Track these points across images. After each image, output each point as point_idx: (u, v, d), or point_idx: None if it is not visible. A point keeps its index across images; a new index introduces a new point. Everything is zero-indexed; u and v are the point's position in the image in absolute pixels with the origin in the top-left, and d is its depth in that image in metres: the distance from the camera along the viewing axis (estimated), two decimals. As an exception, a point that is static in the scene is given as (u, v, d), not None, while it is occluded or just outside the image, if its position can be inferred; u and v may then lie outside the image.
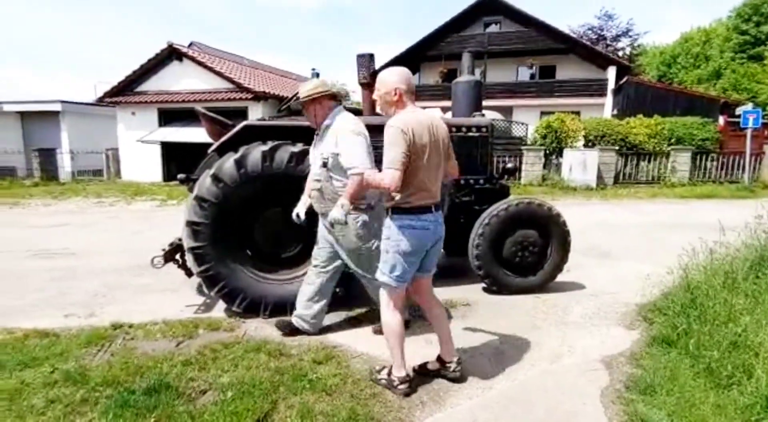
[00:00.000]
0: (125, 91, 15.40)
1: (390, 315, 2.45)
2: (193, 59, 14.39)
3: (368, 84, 4.64)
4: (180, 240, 3.95)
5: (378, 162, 4.24)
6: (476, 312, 3.74)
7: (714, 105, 18.25)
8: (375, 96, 2.43)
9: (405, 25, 70.93)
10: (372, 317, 3.57)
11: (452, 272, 4.97)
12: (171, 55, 14.65)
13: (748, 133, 12.16)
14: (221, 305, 3.75)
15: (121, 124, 15.82)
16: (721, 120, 16.73)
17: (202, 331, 3.28)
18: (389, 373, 2.51)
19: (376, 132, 4.28)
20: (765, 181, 12.59)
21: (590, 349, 3.05)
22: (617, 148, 12.77)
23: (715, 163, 12.90)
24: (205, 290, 3.70)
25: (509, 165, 4.54)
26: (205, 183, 3.37)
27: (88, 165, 17.09)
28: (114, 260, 5.34)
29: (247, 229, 3.60)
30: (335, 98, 2.99)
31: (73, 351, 2.89)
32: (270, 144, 3.43)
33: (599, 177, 12.66)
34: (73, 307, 3.80)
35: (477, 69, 26.83)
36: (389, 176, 2.21)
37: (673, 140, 12.99)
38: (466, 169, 4.41)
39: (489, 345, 3.11)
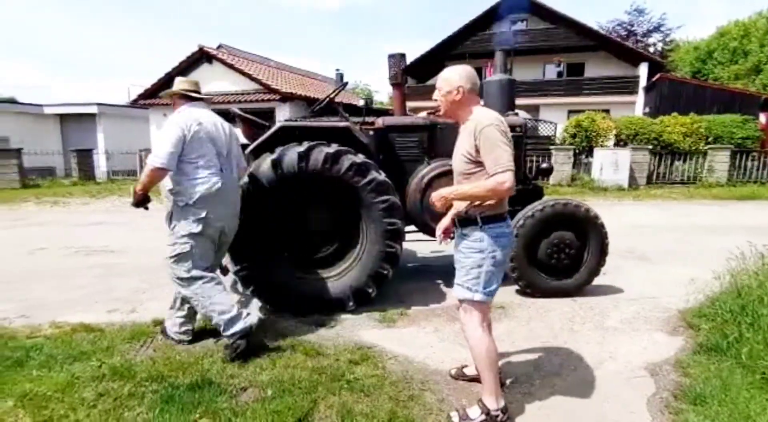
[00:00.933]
0: (158, 93, 15.84)
1: (484, 337, 2.18)
2: (222, 61, 14.70)
3: (399, 84, 4.64)
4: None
5: (402, 161, 4.25)
6: (511, 314, 3.68)
7: (754, 102, 17.48)
8: (438, 96, 2.20)
9: (428, 24, 70.63)
10: (405, 318, 3.57)
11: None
12: (201, 57, 15.02)
13: (793, 130, 11.58)
14: (256, 303, 3.81)
15: (153, 125, 16.32)
16: (763, 117, 16.00)
17: (239, 329, 3.32)
18: (486, 412, 2.17)
19: (405, 132, 4.31)
20: (811, 181, 11.98)
21: (632, 355, 2.96)
22: (650, 147, 12.38)
23: (756, 163, 12.34)
24: (241, 288, 3.78)
25: (544, 165, 4.45)
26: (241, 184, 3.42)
27: (122, 165, 17.68)
28: (151, 258, 5.47)
29: (282, 229, 3.65)
30: (185, 98, 2.96)
31: (118, 346, 2.98)
32: (306, 145, 3.46)
33: (631, 177, 12.30)
34: (116, 303, 3.93)
35: (503, 67, 26.25)
36: (510, 178, 1.97)
37: (710, 139, 12.49)
38: (500, 169, 4.36)
39: (526, 350, 3.05)
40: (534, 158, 11.57)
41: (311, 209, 3.67)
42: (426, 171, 4.00)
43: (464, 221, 2.20)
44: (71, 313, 3.67)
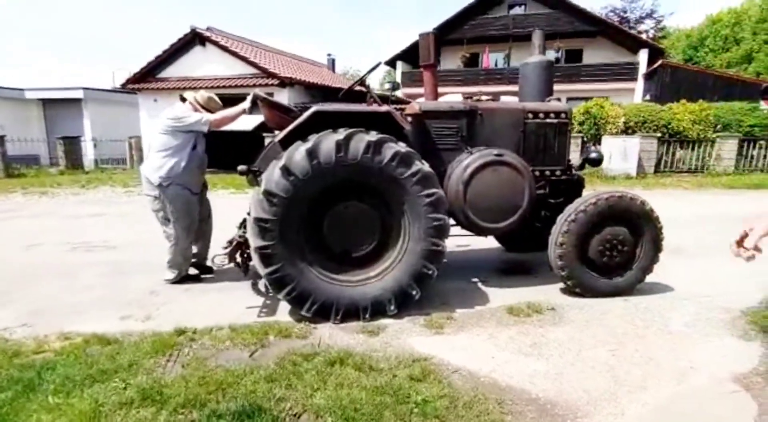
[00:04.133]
0: (147, 77, 15.13)
1: None
2: (216, 44, 14.03)
3: (431, 65, 4.27)
4: (241, 237, 3.68)
5: (440, 150, 3.87)
6: (565, 317, 3.40)
7: (755, 89, 17.38)
8: None
9: (424, 7, 69.35)
10: (453, 323, 3.27)
11: (518, 270, 4.63)
12: (194, 39, 14.31)
13: (803, 118, 11.46)
14: (284, 307, 3.48)
15: (143, 111, 15.61)
16: (763, 104, 15.91)
17: (273, 339, 2.99)
18: None
19: (444, 118, 3.93)
20: (818, 170, 11.93)
21: (714, 365, 2.70)
22: (659, 135, 12.17)
23: (763, 151, 12.22)
24: (271, 292, 3.44)
25: (593, 155, 4.14)
26: (273, 176, 3.05)
27: (110, 153, 16.98)
28: (158, 254, 5.01)
29: (316, 226, 3.29)
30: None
31: (141, 362, 2.62)
32: (344, 132, 3.09)
33: (639, 165, 12.11)
34: (128, 308, 3.55)
35: (501, 53, 25.79)
36: None
37: (719, 127, 12.32)
38: (543, 159, 4.05)
39: (598, 359, 2.77)
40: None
41: (348, 203, 3.31)
42: (469, 161, 3.65)
43: None
44: (80, 321, 3.28)
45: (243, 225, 4.03)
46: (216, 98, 4.11)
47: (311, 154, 3.03)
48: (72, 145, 15.45)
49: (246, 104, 3.82)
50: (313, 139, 3.09)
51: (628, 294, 3.79)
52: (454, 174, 3.72)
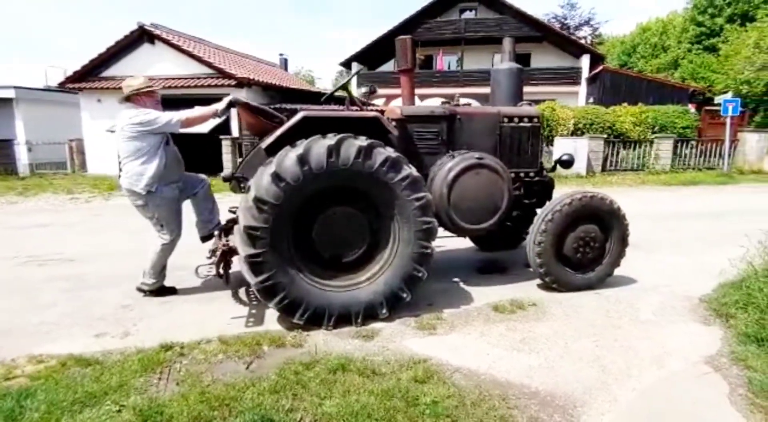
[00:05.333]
0: (90, 76, 14.15)
1: None
2: (167, 42, 13.36)
3: (409, 70, 4.33)
4: (224, 245, 3.55)
5: (421, 154, 3.98)
6: (547, 312, 3.57)
7: (684, 93, 18.98)
8: None
9: (377, 9, 69.59)
10: (444, 324, 3.34)
11: (494, 268, 4.79)
12: (141, 37, 13.55)
13: (728, 120, 12.64)
14: (271, 315, 3.42)
15: (85, 112, 14.58)
16: (691, 108, 17.40)
17: (267, 349, 2.93)
18: None
19: (425, 122, 4.01)
20: (740, 167, 13.20)
21: (685, 350, 2.94)
22: (605, 136, 12.98)
23: (693, 151, 13.36)
24: (255, 300, 3.36)
25: (565, 157, 4.36)
26: (263, 182, 2.99)
27: (48, 157, 15.71)
28: (122, 265, 4.78)
29: (307, 232, 3.25)
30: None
31: (131, 382, 2.48)
32: (334, 137, 3.08)
33: (589, 165, 12.85)
34: (102, 324, 3.33)
35: (454, 55, 26.30)
36: None
37: (656, 128, 13.33)
38: (518, 161, 4.22)
39: (584, 350, 2.94)
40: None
41: (338, 209, 3.29)
42: (452, 164, 3.75)
43: None
44: (49, 342, 3.05)
45: (222, 233, 3.89)
46: (139, 78, 3.78)
47: (302, 159, 2.99)
48: (3, 149, 14.20)
49: (220, 105, 3.64)
50: (302, 144, 3.05)
51: (599, 287, 4.04)
52: (437, 177, 3.81)
